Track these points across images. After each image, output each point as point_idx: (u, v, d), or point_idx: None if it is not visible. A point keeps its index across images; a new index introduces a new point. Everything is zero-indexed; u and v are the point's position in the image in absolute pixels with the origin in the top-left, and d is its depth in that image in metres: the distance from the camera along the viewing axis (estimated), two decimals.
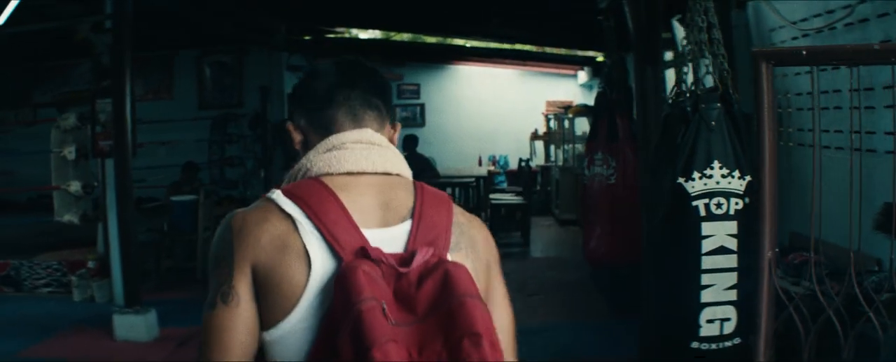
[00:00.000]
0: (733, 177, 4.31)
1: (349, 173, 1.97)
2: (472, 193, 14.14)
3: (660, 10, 5.94)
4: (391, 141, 2.14)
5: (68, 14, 9.50)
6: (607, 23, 8.82)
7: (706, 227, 4.28)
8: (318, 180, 1.95)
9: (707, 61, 4.55)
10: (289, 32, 15.53)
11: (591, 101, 17.23)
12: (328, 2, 12.92)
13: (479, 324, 1.67)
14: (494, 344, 1.68)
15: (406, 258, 1.80)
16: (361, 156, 1.99)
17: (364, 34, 18.24)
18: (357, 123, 2.06)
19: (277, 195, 1.92)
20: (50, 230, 11.52)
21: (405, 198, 1.96)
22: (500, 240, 13.16)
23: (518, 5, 11.61)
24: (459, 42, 18.16)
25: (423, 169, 13.83)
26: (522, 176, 15.43)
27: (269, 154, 12.04)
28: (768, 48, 3.82)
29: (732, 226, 4.29)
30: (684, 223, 4.31)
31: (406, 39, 18.14)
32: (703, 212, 4.29)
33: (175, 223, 11.07)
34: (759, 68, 3.43)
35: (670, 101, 4.59)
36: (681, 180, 4.31)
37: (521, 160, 16.32)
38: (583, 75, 17.67)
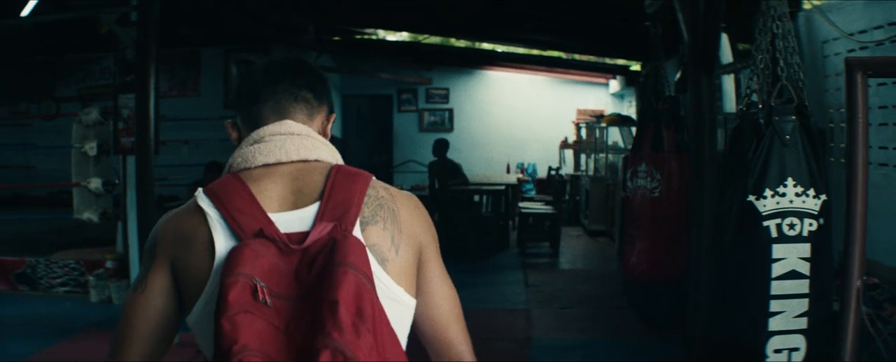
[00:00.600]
0: (808, 195, 3.98)
1: (265, 165, 2.05)
2: (502, 201, 13.76)
3: (720, 15, 5.58)
4: (324, 131, 2.22)
5: (93, 6, 9.21)
6: (654, 29, 8.47)
7: (777, 250, 3.95)
8: (234, 175, 2.03)
9: (766, 72, 4.20)
10: (317, 32, 15.27)
11: (622, 110, 17.23)
12: (358, 3, 12.65)
13: (341, 292, 1.69)
14: (359, 313, 1.70)
15: (303, 235, 1.87)
16: (276, 146, 2.05)
17: (393, 36, 17.92)
18: (280, 115, 2.13)
19: (198, 193, 2.01)
20: (68, 227, 11.30)
21: (318, 180, 2.01)
22: (529, 249, 12.92)
23: (552, 10, 11.23)
24: (489, 47, 17.85)
25: (453, 173, 13.52)
26: (552, 184, 15.09)
27: None
28: (857, 57, 3.46)
29: (805, 249, 3.97)
30: (753, 244, 3.99)
31: (435, 42, 17.82)
32: (774, 233, 3.96)
33: None
34: (854, 78, 3.09)
35: (740, 113, 4.23)
36: (751, 198, 3.98)
37: (550, 168, 16.00)
38: (615, 84, 17.34)
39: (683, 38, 6.00)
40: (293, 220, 1.93)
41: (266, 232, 1.86)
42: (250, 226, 1.89)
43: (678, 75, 10.29)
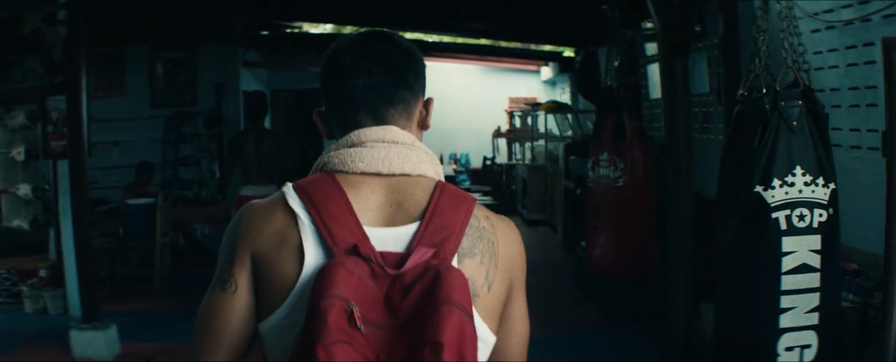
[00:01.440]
0: (817, 184, 3.74)
1: (363, 173, 1.86)
2: None
3: None
4: (424, 124, 2.03)
5: (16, 4, 8.76)
6: (612, 12, 8.22)
7: (787, 242, 3.71)
8: (330, 175, 1.86)
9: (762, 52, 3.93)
10: (244, 27, 14.90)
11: (556, 97, 17.03)
12: None
13: (445, 334, 1.57)
14: (461, 357, 1.57)
15: (403, 258, 1.70)
16: (379, 156, 1.86)
17: (317, 29, 17.50)
18: (379, 121, 1.92)
19: (288, 188, 1.84)
20: None
21: (421, 199, 1.82)
22: None
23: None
24: (419, 37, 17.57)
25: None
26: (490, 175, 14.83)
27: (226, 170, 11.16)
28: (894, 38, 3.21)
29: (816, 241, 3.74)
30: (762, 237, 3.74)
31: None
32: (783, 225, 3.73)
33: (131, 228, 10.48)
34: (891, 59, 2.82)
35: (742, 98, 3.96)
36: (758, 188, 3.74)
37: (485, 158, 15.75)
38: (547, 71, 17.16)
39: (651, 20, 5.74)
40: (388, 238, 1.77)
41: (361, 249, 1.70)
42: (344, 239, 1.74)
43: (616, 62, 10.04)
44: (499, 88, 18.22)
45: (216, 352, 1.81)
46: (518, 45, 17.37)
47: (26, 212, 9.11)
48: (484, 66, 18.14)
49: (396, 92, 1.93)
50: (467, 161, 18.14)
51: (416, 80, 1.97)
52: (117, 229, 10.58)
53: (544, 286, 9.74)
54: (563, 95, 16.39)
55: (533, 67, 17.83)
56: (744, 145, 3.84)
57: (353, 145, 1.89)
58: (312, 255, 1.74)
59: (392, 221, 1.80)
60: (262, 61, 16.46)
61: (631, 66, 9.31)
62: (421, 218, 1.78)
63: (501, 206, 13.01)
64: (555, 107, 14.24)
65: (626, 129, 7.69)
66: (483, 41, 17.14)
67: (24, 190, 8.99)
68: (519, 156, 16.45)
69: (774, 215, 3.72)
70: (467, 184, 17.40)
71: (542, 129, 15.34)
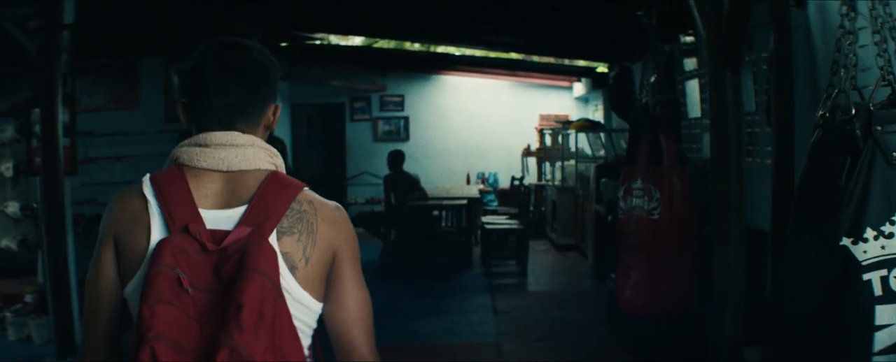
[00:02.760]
0: None
1: (206, 169, 2.16)
2: (464, 215, 12.58)
3: None
4: (269, 126, 2.32)
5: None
6: (648, 19, 7.32)
7: (882, 313, 2.77)
8: (179, 167, 2.17)
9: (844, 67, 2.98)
10: (264, 39, 13.92)
11: (588, 115, 16.20)
12: (306, 6, 11.71)
13: (246, 295, 1.88)
14: (261, 315, 1.89)
15: (224, 235, 2.02)
16: (219, 156, 2.16)
17: (344, 41, 16.66)
18: (227, 127, 2.21)
19: (145, 178, 2.16)
20: None
21: (252, 186, 2.15)
22: (494, 268, 11.74)
23: (515, 9, 10.09)
24: (446, 50, 16.75)
25: (410, 187, 12.37)
26: (516, 196, 13.89)
27: None
28: None
29: None
30: (849, 305, 2.78)
31: (389, 47, 16.67)
32: (878, 290, 2.77)
33: None
34: None
35: (823, 121, 3.01)
36: (845, 241, 2.79)
37: (513, 178, 14.82)
38: (579, 87, 16.25)
39: (691, 33, 4.86)
40: (221, 219, 2.08)
41: (190, 228, 2.01)
42: (181, 218, 2.05)
43: (653, 77, 9.17)
44: (529, 105, 17.31)
45: (98, 327, 2.13)
46: (550, 60, 16.52)
47: (15, 231, 8.35)
48: (514, 82, 17.23)
49: (246, 105, 2.22)
50: (495, 180, 17.22)
51: (267, 94, 2.27)
52: None
53: (573, 321, 8.88)
54: (596, 113, 15.52)
55: (565, 83, 16.91)
56: (825, 183, 2.91)
57: (199, 145, 2.17)
58: (157, 232, 2.05)
59: (226, 205, 2.11)
60: (283, 74, 15.63)
61: (668, 82, 8.37)
62: (249, 201, 2.10)
63: (527, 231, 11.98)
64: (586, 126, 13.31)
65: (664, 152, 6.75)
66: (513, 55, 16.33)
67: (12, 208, 8.22)
68: (548, 177, 15.47)
69: (866, 276, 2.79)
70: (495, 204, 16.50)
71: (572, 149, 14.41)
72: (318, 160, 18.11)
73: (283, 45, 14.88)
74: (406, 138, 17.62)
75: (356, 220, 13.55)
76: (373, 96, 17.65)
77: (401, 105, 17.69)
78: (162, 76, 14.40)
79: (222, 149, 2.16)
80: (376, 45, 16.67)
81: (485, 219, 13.22)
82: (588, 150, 14.51)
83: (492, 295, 10.41)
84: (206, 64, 2.20)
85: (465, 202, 12.37)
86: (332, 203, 2.25)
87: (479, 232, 13.02)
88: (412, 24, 12.78)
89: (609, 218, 9.34)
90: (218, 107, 2.18)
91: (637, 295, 6.80)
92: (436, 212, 12.52)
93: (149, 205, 2.07)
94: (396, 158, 12.62)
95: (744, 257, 5.01)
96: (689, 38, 8.79)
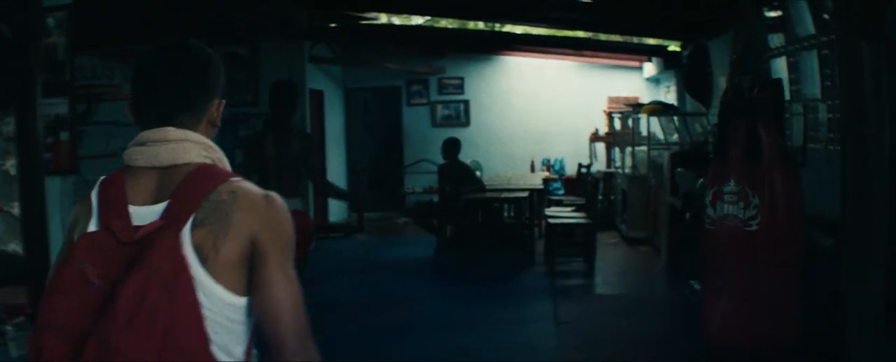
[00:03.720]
0: None
1: (141, 167, 2.23)
2: (525, 207, 11.41)
3: None
4: (213, 121, 2.36)
5: None
6: None
7: None
8: (123, 168, 2.26)
9: None
10: (312, 19, 13.19)
11: (660, 97, 14.84)
12: None
13: (124, 288, 1.96)
14: (138, 308, 1.95)
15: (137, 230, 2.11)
16: (152, 153, 2.21)
17: (398, 20, 15.68)
18: (163, 121, 2.26)
19: (98, 181, 2.29)
20: None
21: (178, 181, 2.19)
22: (558, 266, 10.61)
23: None
24: (507, 28, 15.53)
25: (467, 178, 11.25)
26: (583, 184, 12.65)
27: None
28: None
29: None
30: None
31: (447, 26, 15.52)
32: None
33: None
34: None
35: None
36: None
37: (580, 166, 13.57)
38: (650, 67, 14.96)
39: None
40: (148, 214, 2.14)
41: (110, 223, 2.11)
42: (107, 216, 2.15)
43: (733, 55, 7.92)
44: (596, 87, 16.02)
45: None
46: (617, 38, 15.31)
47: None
48: (580, 63, 15.96)
49: (182, 102, 2.27)
50: (562, 167, 15.96)
51: (204, 90, 2.31)
52: None
53: (646, 335, 7.66)
54: (668, 95, 14.22)
55: (634, 63, 15.61)
56: None
57: (138, 144, 2.24)
58: (91, 230, 2.17)
59: (154, 200, 2.17)
60: (333, 57, 14.66)
61: (756, 59, 7.18)
62: (171, 196, 2.16)
63: (594, 225, 10.77)
64: (658, 109, 12.06)
65: (763, 145, 5.43)
66: (579, 33, 15.10)
67: (18, 209, 7.30)
68: (618, 164, 14.21)
69: None
70: (561, 192, 15.30)
71: (644, 133, 13.22)
72: (376, 147, 17.15)
73: (333, 25, 13.87)
74: (466, 123, 16.51)
75: (406, 212, 12.45)
76: (430, 79, 16.54)
77: (460, 88, 16.52)
78: None
79: (155, 146, 2.22)
80: (431, 25, 15.65)
81: (549, 210, 12.08)
82: (660, 135, 13.28)
83: (555, 299, 9.30)
84: (147, 64, 2.29)
85: (525, 195, 11.17)
86: (261, 192, 2.23)
87: (542, 224, 11.82)
88: (473, 1, 11.69)
89: (687, 216, 8.13)
90: (156, 105, 2.26)
91: (730, 324, 5.56)
92: (495, 205, 11.34)
93: (91, 206, 2.21)
94: (452, 146, 11.51)
95: (881, 280, 3.87)
96: (773, 14, 7.66)
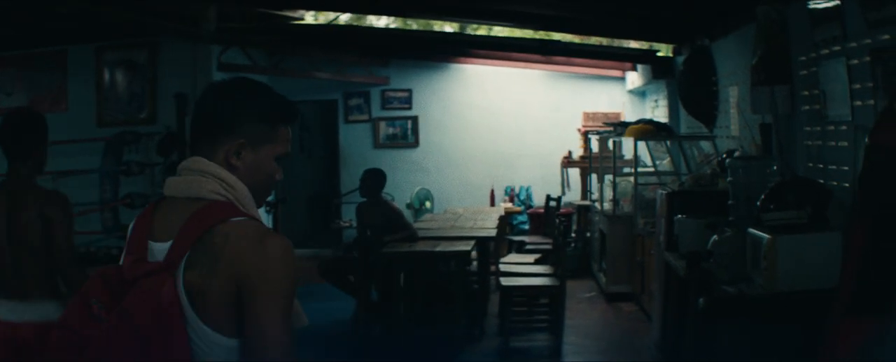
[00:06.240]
0: None
1: (171, 197, 2.28)
2: (472, 260, 8.50)
3: None
4: (233, 165, 2.30)
5: None
6: None
7: None
8: (159, 200, 2.31)
9: None
10: (221, 19, 10.37)
11: (645, 113, 11.92)
12: None
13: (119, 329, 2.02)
14: (119, 347, 2.02)
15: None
16: (175, 183, 2.26)
17: (327, 19, 12.91)
18: (194, 150, 2.32)
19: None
20: None
21: (184, 219, 2.16)
22: (514, 342, 7.82)
23: None
24: (460, 29, 12.82)
25: (389, 224, 8.31)
26: (550, 224, 9.62)
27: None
28: None
29: None
30: None
31: (388, 27, 12.88)
32: None
33: None
34: None
35: None
36: None
37: (549, 198, 10.60)
38: (634, 77, 12.09)
39: None
40: (158, 251, 2.16)
41: (123, 259, 2.19)
42: (128, 251, 2.22)
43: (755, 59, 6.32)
44: (571, 101, 13.11)
45: None
46: (596, 40, 12.42)
47: None
48: (550, 72, 13.10)
49: (209, 127, 2.30)
50: (528, 197, 13.00)
51: (231, 118, 2.28)
52: None
53: None
54: (657, 110, 11.39)
55: (615, 73, 12.76)
56: None
57: (175, 174, 2.31)
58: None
59: (167, 237, 2.17)
60: (250, 64, 11.74)
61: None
62: (177, 233, 2.16)
63: (562, 287, 7.84)
64: (650, 131, 9.15)
65: None
66: (548, 35, 12.57)
67: None
68: (595, 195, 11.22)
69: None
70: (526, 226, 12.42)
71: (628, 157, 10.47)
72: (314, 171, 14.54)
73: (252, 25, 11.10)
74: (414, 143, 13.57)
75: (321, 264, 9.45)
76: (372, 91, 13.60)
77: (407, 102, 13.54)
78: (93, 68, 11.31)
79: (184, 175, 2.27)
80: (373, 25, 13.07)
81: (505, 262, 9.13)
82: (647, 160, 10.42)
83: None
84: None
85: (467, 249, 8.09)
86: (257, 233, 2.17)
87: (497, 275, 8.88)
88: None
89: (700, 300, 5.25)
90: (191, 133, 2.38)
91: None
92: (429, 261, 8.29)
93: (127, 236, 2.28)
94: (371, 180, 8.60)
95: None
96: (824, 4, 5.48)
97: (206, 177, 2.22)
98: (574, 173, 12.64)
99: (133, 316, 1.99)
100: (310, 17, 12.35)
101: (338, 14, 12.20)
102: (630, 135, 9.13)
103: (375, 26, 13.53)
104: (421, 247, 8.03)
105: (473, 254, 8.36)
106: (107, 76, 11.12)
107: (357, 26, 12.93)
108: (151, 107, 10.90)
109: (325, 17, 12.84)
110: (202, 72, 10.71)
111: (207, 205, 2.17)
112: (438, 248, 7.98)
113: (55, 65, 11.50)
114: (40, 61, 11.44)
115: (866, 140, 2.75)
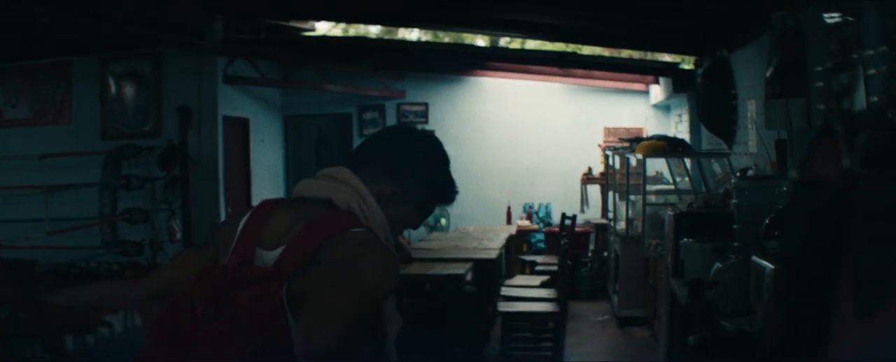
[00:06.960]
0: None
1: (299, 197, 2.29)
2: (470, 284, 7.95)
3: None
4: (381, 193, 2.31)
5: None
6: None
7: None
8: (277, 200, 2.32)
9: None
10: (228, 30, 10.21)
11: (668, 128, 11.29)
12: None
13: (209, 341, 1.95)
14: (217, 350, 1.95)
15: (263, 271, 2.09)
16: (310, 184, 2.28)
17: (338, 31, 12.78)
18: (347, 165, 2.34)
19: (257, 203, 2.34)
20: None
21: (298, 225, 2.13)
22: None
23: None
24: (480, 41, 12.53)
25: None
26: (561, 244, 9.05)
27: None
28: None
29: None
30: None
31: (412, 39, 12.41)
32: None
33: None
34: None
35: None
36: None
37: (564, 216, 10.04)
38: (657, 91, 11.50)
39: None
40: (266, 258, 2.11)
41: (229, 261, 2.13)
42: (236, 251, 2.17)
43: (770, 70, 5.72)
44: (594, 115, 12.63)
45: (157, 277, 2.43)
46: (618, 53, 11.70)
47: None
48: (571, 84, 12.58)
49: (373, 156, 2.37)
50: (548, 214, 12.44)
51: (397, 166, 2.35)
52: None
53: None
54: (680, 125, 10.79)
55: (639, 86, 12.21)
56: None
57: (313, 177, 2.34)
58: (225, 255, 2.22)
59: (275, 245, 2.12)
60: (259, 77, 11.34)
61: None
62: (288, 243, 2.11)
63: (564, 314, 7.26)
64: (661, 147, 8.55)
65: None
66: (568, 48, 12.29)
67: None
68: (611, 215, 10.65)
69: None
70: (542, 245, 11.93)
71: (650, 173, 9.90)
72: None
73: (261, 36, 10.92)
74: None
75: None
76: (387, 104, 13.10)
77: (424, 115, 13.02)
78: (97, 80, 11.05)
79: (320, 179, 2.30)
80: (391, 37, 12.70)
81: (507, 286, 8.56)
82: (668, 177, 9.83)
83: None
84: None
85: (462, 271, 7.52)
86: (363, 238, 2.11)
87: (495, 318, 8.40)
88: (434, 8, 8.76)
89: (691, 338, 4.72)
90: (354, 150, 2.47)
91: None
92: (423, 285, 7.71)
93: (235, 232, 2.20)
94: None
95: None
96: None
97: (347, 188, 2.23)
98: (594, 190, 12.09)
99: (242, 321, 1.94)
100: (322, 28, 11.87)
101: (350, 25, 11.86)
102: (640, 152, 8.54)
103: (407, 39, 13.21)
104: (414, 269, 7.48)
105: (469, 276, 7.78)
106: (112, 88, 10.86)
107: (366, 37, 12.60)
108: (156, 120, 10.64)
109: (340, 30, 12.48)
110: (207, 84, 10.41)
111: (326, 215, 2.14)
112: (431, 271, 7.43)
113: (60, 76, 11.30)
114: (45, 72, 11.28)
115: (792, 172, 2.46)
